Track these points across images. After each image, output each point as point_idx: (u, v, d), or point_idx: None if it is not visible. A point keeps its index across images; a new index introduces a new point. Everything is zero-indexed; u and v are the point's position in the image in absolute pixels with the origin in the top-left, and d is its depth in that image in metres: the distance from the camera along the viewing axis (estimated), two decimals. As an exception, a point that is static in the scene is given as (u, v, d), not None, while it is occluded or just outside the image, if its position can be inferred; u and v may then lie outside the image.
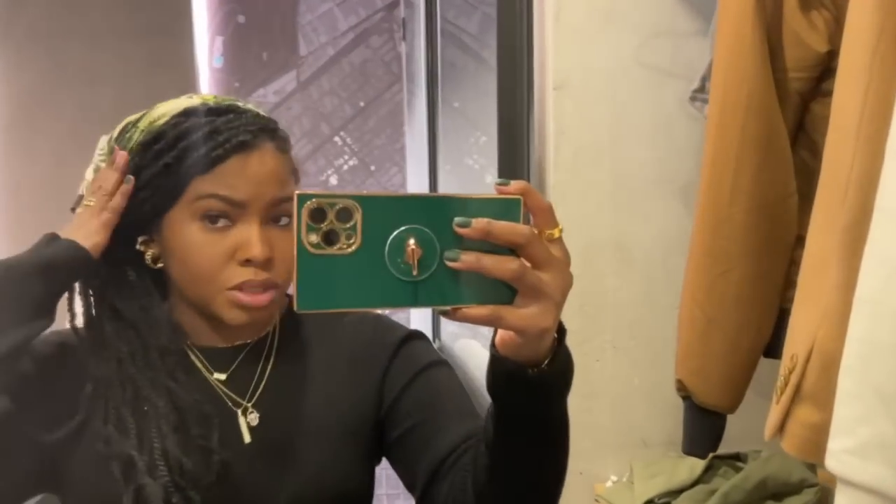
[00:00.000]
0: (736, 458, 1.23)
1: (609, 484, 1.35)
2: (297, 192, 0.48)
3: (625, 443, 1.41)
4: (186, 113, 0.74)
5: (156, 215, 0.74)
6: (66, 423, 0.73)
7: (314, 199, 0.48)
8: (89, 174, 0.80)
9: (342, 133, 2.96)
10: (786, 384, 0.63)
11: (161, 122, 0.74)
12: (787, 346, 0.65)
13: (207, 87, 2.86)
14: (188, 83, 2.76)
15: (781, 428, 0.64)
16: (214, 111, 0.74)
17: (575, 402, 1.43)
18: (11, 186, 2.66)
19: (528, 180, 1.48)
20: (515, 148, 1.46)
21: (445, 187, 2.63)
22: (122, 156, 0.74)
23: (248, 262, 0.72)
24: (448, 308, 0.51)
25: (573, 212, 1.40)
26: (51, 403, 0.74)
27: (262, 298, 0.73)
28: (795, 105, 0.79)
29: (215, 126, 0.72)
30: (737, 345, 0.83)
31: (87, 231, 0.73)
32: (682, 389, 0.92)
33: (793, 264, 0.78)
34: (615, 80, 1.38)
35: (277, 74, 2.90)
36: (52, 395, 0.74)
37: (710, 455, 1.23)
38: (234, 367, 0.78)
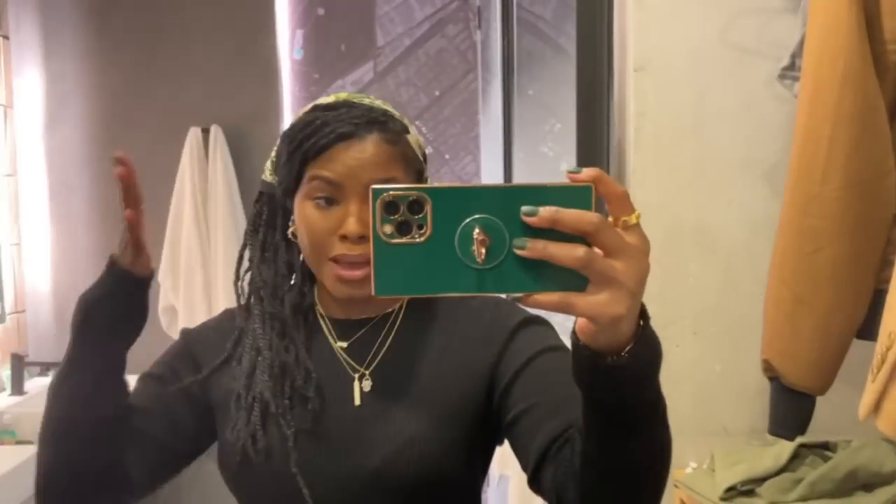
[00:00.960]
0: (824, 448, 1.19)
1: (689, 470, 1.34)
2: (372, 186, 0.51)
3: (705, 430, 1.39)
4: (314, 109, 0.85)
5: (289, 197, 0.86)
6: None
7: (387, 193, 0.51)
8: (268, 163, 0.92)
9: (417, 122, 2.99)
10: (882, 362, 0.61)
11: (297, 119, 0.85)
12: (885, 324, 0.63)
13: (289, 79, 2.94)
14: (270, 75, 2.85)
15: (877, 407, 0.62)
16: (332, 106, 0.84)
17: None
18: (106, 175, 2.81)
19: (608, 164, 1.47)
20: (595, 131, 1.45)
21: (519, 175, 2.63)
22: (117, 171, 0.80)
23: (345, 238, 0.80)
24: (519, 294, 0.51)
25: (653, 196, 1.38)
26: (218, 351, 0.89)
27: (356, 273, 0.81)
28: (894, 78, 0.77)
29: (326, 119, 0.82)
30: (828, 326, 0.81)
31: (122, 251, 0.81)
32: (770, 370, 0.90)
33: (889, 244, 0.75)
34: (698, 60, 1.35)
35: (355, 65, 2.96)
36: (221, 345, 0.89)
37: (797, 443, 1.20)
38: (356, 337, 0.87)
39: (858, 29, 0.76)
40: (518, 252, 0.50)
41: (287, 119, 2.91)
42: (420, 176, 0.88)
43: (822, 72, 0.78)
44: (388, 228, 0.51)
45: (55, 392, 0.80)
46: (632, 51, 1.36)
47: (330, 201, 0.81)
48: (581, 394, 0.60)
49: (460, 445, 0.81)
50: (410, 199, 0.51)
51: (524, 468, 0.78)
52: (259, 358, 0.85)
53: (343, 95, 0.87)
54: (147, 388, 0.87)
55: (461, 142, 3.04)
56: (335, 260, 0.81)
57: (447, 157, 3.03)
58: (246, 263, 0.91)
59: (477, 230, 0.50)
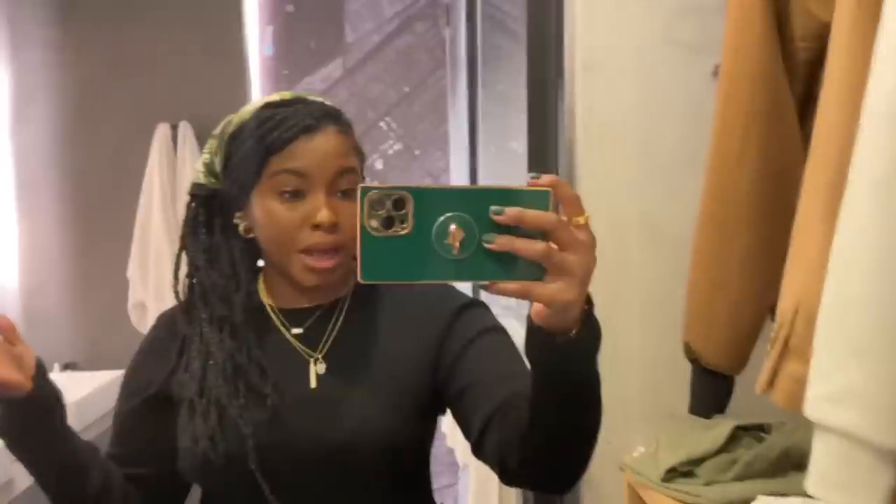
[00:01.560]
0: (760, 430, 1.24)
1: (636, 454, 1.38)
2: (360, 185, 0.58)
3: (653, 414, 1.44)
4: (265, 107, 0.88)
5: (244, 192, 0.87)
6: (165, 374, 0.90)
7: (374, 191, 0.58)
8: (199, 166, 0.94)
9: (387, 118, 3.02)
10: (776, 340, 0.66)
11: (246, 116, 0.88)
12: (779, 304, 0.68)
13: (258, 75, 2.96)
14: (240, 71, 2.86)
15: (771, 383, 0.67)
16: (286, 103, 0.88)
17: (603, 374, 1.47)
18: (74, 172, 2.81)
19: (558, 159, 1.51)
20: (545, 127, 1.49)
21: (490, 170, 2.67)
22: None
23: (316, 227, 0.84)
24: (486, 283, 0.60)
25: (601, 189, 1.43)
26: (164, 363, 0.91)
27: (328, 263, 0.85)
28: (804, 75, 0.81)
29: (286, 115, 0.85)
30: (741, 309, 0.86)
31: None
32: (690, 352, 0.95)
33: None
34: (643, 58, 1.40)
35: (325, 62, 2.98)
36: (166, 356, 0.91)
37: (734, 425, 1.25)
38: (308, 323, 0.91)
39: (769, 27, 0.80)
40: (487, 245, 0.58)
41: (257, 115, 2.92)
42: (363, 163, 0.93)
43: (736, 68, 0.83)
44: (374, 222, 0.58)
45: (46, 494, 0.87)
46: (580, 49, 1.40)
47: (297, 194, 0.85)
48: (532, 368, 0.68)
49: (411, 418, 0.87)
50: (394, 197, 0.58)
51: (467, 437, 0.85)
52: (210, 362, 0.87)
53: (288, 94, 0.90)
54: (118, 438, 0.93)
55: (431, 138, 3.07)
56: (307, 251, 0.85)
57: (417, 153, 3.07)
58: (184, 267, 0.93)
59: (452, 226, 0.58)
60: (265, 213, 0.86)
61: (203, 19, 2.80)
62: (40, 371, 0.81)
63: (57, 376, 2.39)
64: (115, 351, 2.90)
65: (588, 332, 0.64)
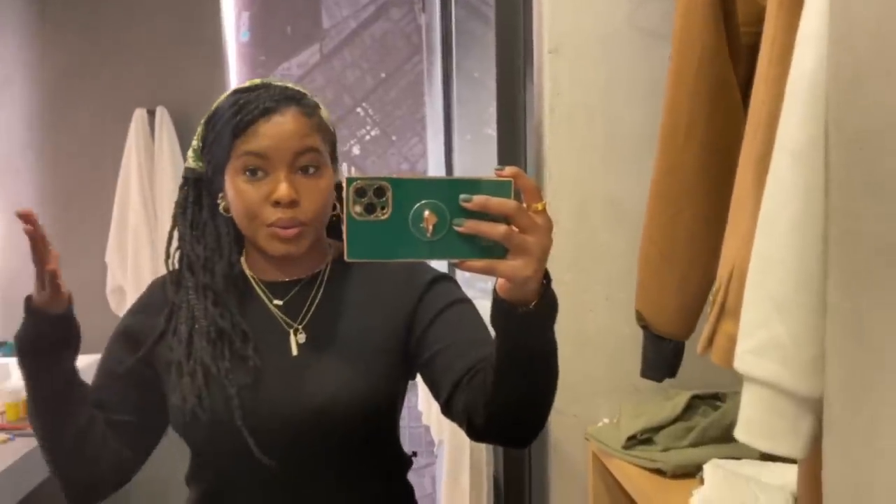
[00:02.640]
0: (715, 398, 1.31)
1: (600, 425, 1.44)
2: (346, 176, 0.66)
3: (617, 388, 1.50)
4: (234, 93, 0.94)
5: (218, 173, 0.94)
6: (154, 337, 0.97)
7: (357, 181, 0.66)
8: (190, 151, 1.00)
9: (364, 104, 3.04)
10: (714, 303, 0.71)
11: (219, 102, 0.95)
12: (718, 270, 0.73)
13: (235, 61, 2.97)
14: (216, 57, 2.87)
15: (710, 343, 0.72)
16: (251, 89, 0.93)
17: (570, 350, 1.53)
18: (51, 157, 2.81)
19: (526, 142, 1.56)
20: (515, 110, 1.53)
21: (466, 155, 2.71)
22: (25, 228, 0.89)
23: (277, 204, 0.90)
24: (456, 261, 0.68)
25: (568, 171, 1.48)
26: (155, 324, 0.97)
27: (290, 232, 0.90)
28: (747, 58, 0.86)
29: (248, 98, 0.91)
30: (688, 279, 0.91)
31: (38, 294, 0.89)
32: (641, 319, 1.00)
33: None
34: (608, 43, 1.45)
35: (301, 48, 3.00)
36: (157, 317, 0.97)
37: (691, 395, 1.31)
38: (289, 296, 0.97)
39: (714, 11, 0.85)
40: (457, 228, 0.67)
41: (234, 101, 2.94)
42: (334, 146, 0.98)
43: (684, 50, 0.87)
44: (358, 208, 0.66)
45: (32, 420, 0.94)
46: (546, 33, 1.45)
47: (257, 172, 0.90)
48: (497, 336, 0.77)
49: (385, 382, 0.94)
50: (375, 186, 0.66)
51: (437, 398, 0.93)
52: (196, 326, 0.94)
53: (257, 81, 0.96)
54: (103, 383, 0.98)
55: (408, 123, 3.11)
56: (271, 226, 0.91)
57: (394, 138, 3.10)
58: (175, 243, 0.99)
59: (426, 211, 0.66)
60: (234, 191, 0.92)
61: (179, 5, 2.81)
62: (70, 298, 0.90)
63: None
64: (93, 335, 2.91)
65: (545, 304, 0.73)
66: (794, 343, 0.59)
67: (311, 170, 0.91)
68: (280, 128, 0.90)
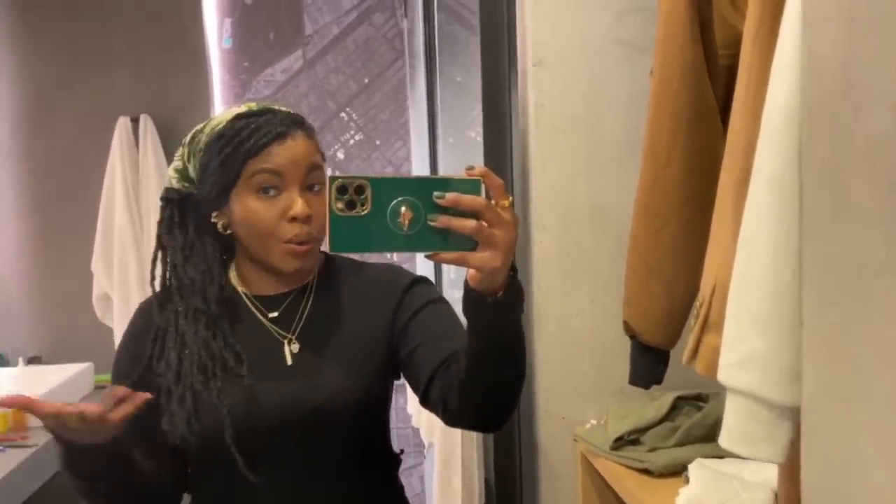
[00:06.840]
0: (699, 399, 1.36)
1: (588, 426, 1.48)
2: (328, 175, 0.72)
3: (604, 390, 1.54)
4: (238, 117, 0.98)
5: (223, 193, 0.97)
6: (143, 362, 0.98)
7: (339, 180, 0.72)
8: (171, 171, 1.03)
9: (348, 109, 3.07)
10: (697, 316, 0.75)
11: (220, 126, 0.98)
12: (701, 285, 0.77)
13: (218, 68, 2.97)
14: (199, 64, 2.88)
15: (695, 353, 0.76)
16: (257, 113, 0.98)
17: (557, 353, 1.57)
18: (36, 164, 2.81)
19: (512, 151, 1.60)
20: (500, 119, 1.57)
21: (449, 159, 2.74)
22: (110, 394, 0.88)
23: (293, 220, 0.95)
24: (430, 253, 0.74)
25: (553, 180, 1.52)
26: (143, 351, 0.99)
27: (304, 248, 0.96)
28: (725, 79, 0.90)
29: (259, 123, 0.96)
30: (673, 290, 0.95)
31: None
32: (629, 330, 1.04)
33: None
34: (589, 56, 1.49)
35: (284, 54, 3.01)
36: (144, 344, 0.99)
37: (675, 396, 1.36)
38: (282, 308, 1.01)
39: (693, 34, 0.89)
40: (430, 223, 0.73)
41: (217, 108, 2.95)
42: (325, 161, 1.04)
43: (665, 71, 0.91)
44: (340, 205, 0.72)
45: (80, 493, 0.94)
46: (530, 46, 1.48)
47: (269, 190, 0.95)
48: (468, 323, 0.83)
49: (375, 383, 1.00)
50: (356, 184, 0.72)
51: (415, 390, 0.99)
52: (186, 351, 0.96)
53: (255, 105, 1.00)
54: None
55: (391, 127, 3.13)
56: (288, 242, 0.95)
57: (378, 142, 3.12)
58: (160, 265, 1.01)
59: (403, 207, 0.72)
60: (245, 210, 0.96)
61: (162, 12, 2.81)
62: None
63: (21, 370, 2.41)
64: (80, 344, 2.92)
65: (512, 293, 0.80)
66: (770, 355, 0.63)
67: (317, 187, 0.98)
68: (292, 150, 0.96)
